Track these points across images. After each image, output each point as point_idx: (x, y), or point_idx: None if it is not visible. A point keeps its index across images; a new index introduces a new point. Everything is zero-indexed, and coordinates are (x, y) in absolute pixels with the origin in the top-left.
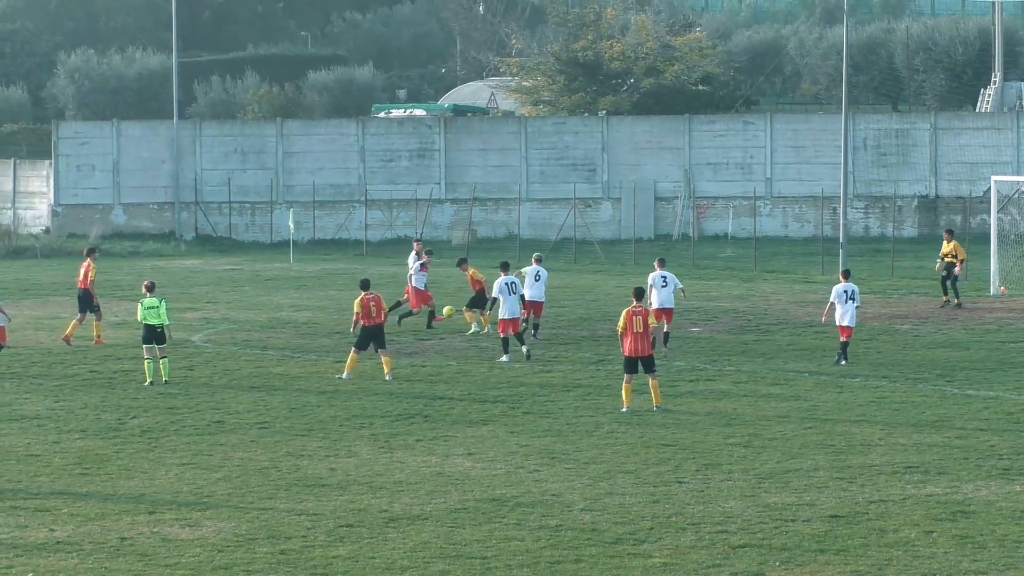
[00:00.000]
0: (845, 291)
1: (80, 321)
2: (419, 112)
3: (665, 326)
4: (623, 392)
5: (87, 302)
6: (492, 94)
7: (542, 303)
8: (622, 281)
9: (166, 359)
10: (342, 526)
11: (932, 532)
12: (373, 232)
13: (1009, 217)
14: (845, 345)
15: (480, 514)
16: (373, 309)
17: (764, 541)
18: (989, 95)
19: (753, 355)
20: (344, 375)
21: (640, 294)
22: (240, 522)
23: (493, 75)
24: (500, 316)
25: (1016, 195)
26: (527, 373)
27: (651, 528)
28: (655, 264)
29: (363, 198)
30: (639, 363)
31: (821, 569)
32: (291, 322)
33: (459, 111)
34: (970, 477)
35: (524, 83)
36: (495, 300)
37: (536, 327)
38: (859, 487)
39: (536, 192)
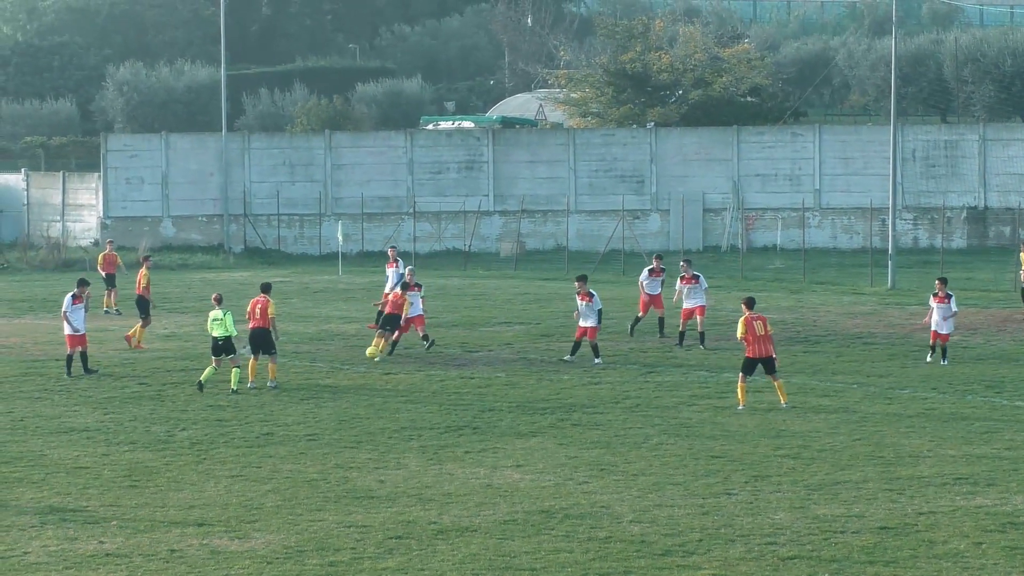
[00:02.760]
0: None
1: (144, 326)
2: (467, 124)
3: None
4: (739, 391)
5: (144, 307)
6: (540, 106)
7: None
8: (669, 293)
9: (237, 368)
10: (391, 538)
11: (981, 544)
12: (422, 244)
13: None
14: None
15: (529, 526)
16: (258, 312)
17: (813, 553)
18: None
19: (802, 366)
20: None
21: (751, 303)
22: (289, 534)
23: (541, 87)
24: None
25: None
26: (576, 385)
27: (700, 540)
28: (681, 266)
29: (411, 210)
30: (760, 364)
31: None
32: (340, 334)
33: (507, 123)
34: (1019, 489)
35: (572, 95)
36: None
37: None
38: (908, 499)
39: (584, 204)
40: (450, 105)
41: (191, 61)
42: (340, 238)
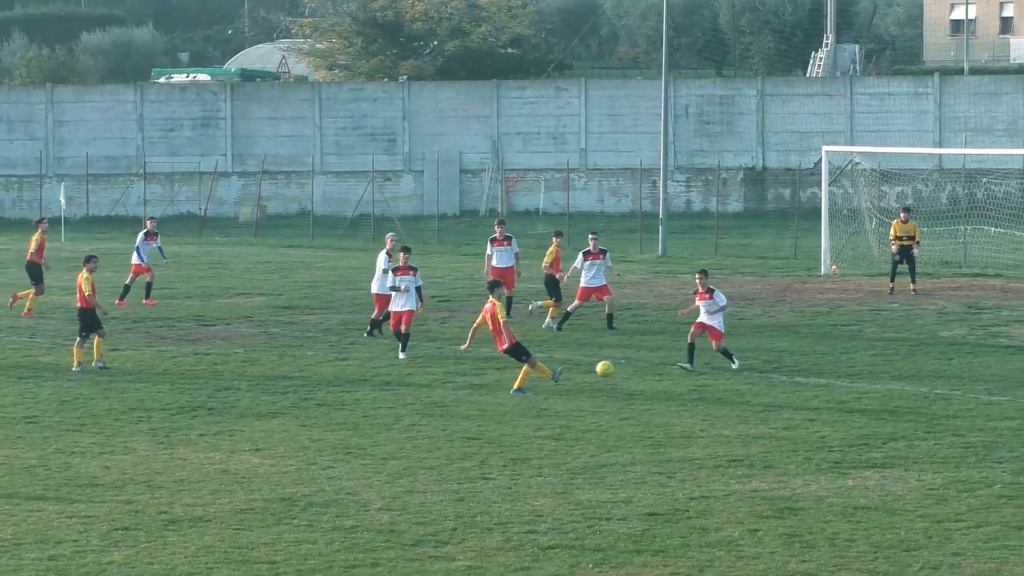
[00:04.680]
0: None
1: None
2: (203, 77)
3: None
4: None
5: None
6: (283, 58)
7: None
8: (425, 261)
9: None
10: (117, 529)
11: (757, 531)
12: (153, 208)
13: (842, 191)
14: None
15: (268, 515)
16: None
17: (576, 542)
18: (821, 59)
19: (566, 340)
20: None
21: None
22: (5, 526)
23: (284, 37)
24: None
25: (849, 167)
26: (321, 362)
27: (454, 528)
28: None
29: (142, 171)
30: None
31: (638, 571)
32: (62, 306)
33: (247, 76)
34: (798, 471)
35: (318, 46)
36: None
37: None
38: (679, 482)
39: (331, 165)
40: (184, 56)
41: None
42: (62, 201)
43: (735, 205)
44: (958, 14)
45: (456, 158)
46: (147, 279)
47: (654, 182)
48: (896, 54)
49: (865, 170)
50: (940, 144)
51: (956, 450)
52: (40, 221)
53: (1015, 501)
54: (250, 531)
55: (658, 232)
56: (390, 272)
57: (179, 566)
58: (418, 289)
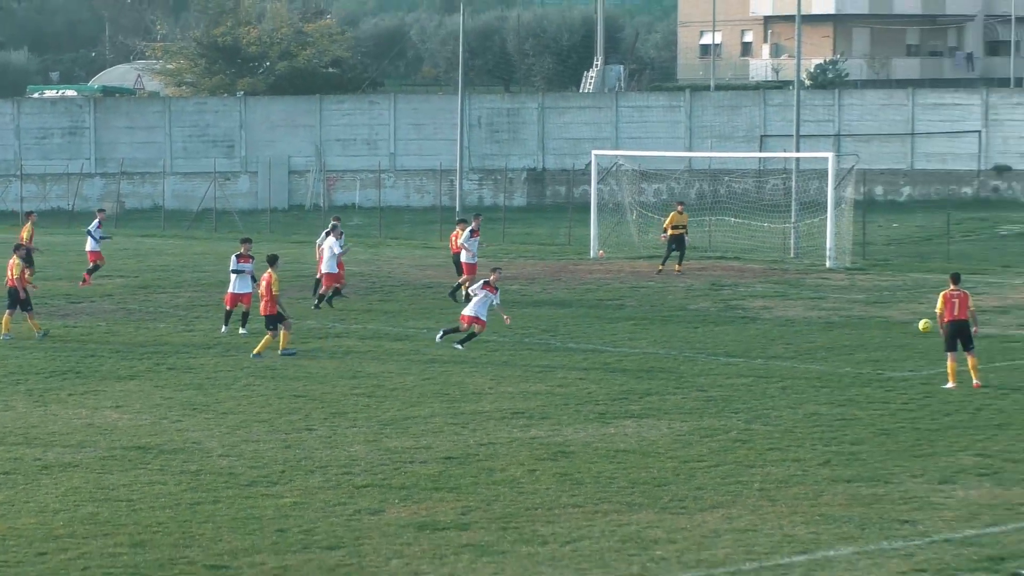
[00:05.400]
0: None
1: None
2: (71, 93)
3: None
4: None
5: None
6: (139, 76)
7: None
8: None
9: None
10: None
11: (535, 471)
12: (28, 204)
13: (608, 188)
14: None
15: (127, 461)
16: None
17: (385, 481)
18: (591, 77)
19: (378, 314)
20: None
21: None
22: None
23: (140, 59)
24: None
25: (614, 168)
26: (171, 333)
27: (283, 471)
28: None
29: (18, 173)
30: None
31: (436, 505)
32: None
33: (108, 92)
34: (570, 421)
35: (168, 66)
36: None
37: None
38: (471, 431)
39: (180, 167)
40: (55, 75)
41: None
42: None
43: (519, 200)
44: (706, 39)
45: (285, 161)
46: (99, 263)
47: (452, 181)
48: (654, 73)
49: (628, 170)
50: (690, 148)
51: (700, 403)
52: (30, 213)
53: (748, 444)
54: (111, 474)
55: (454, 223)
56: (233, 257)
57: (51, 504)
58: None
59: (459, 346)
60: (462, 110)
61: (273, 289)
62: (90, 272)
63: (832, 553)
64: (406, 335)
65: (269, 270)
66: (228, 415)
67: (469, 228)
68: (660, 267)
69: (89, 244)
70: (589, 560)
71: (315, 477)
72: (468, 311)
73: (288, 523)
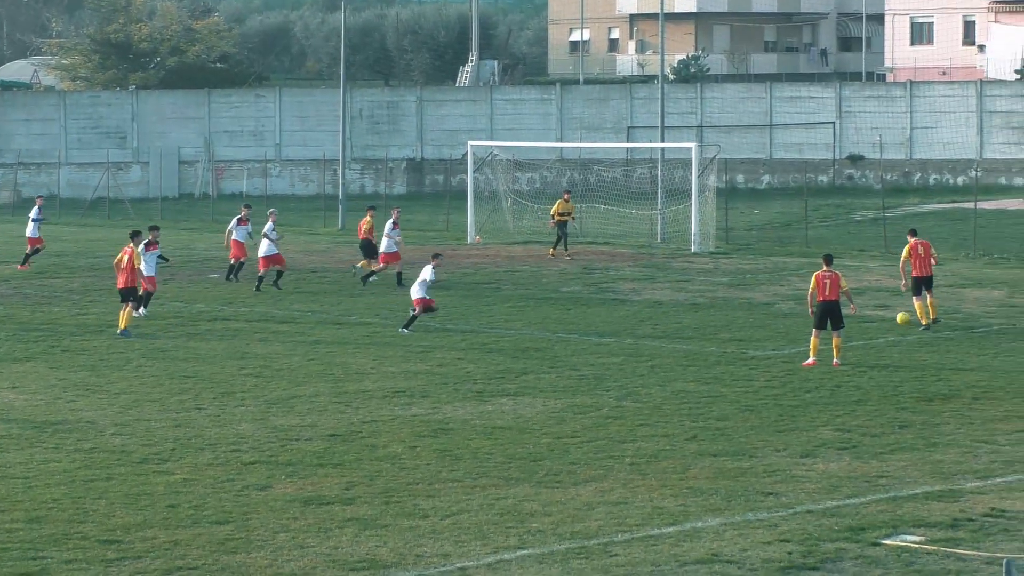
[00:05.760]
0: None
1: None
2: None
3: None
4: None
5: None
6: (35, 71)
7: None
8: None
9: None
10: None
11: (416, 447)
12: None
13: (484, 176)
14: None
15: (23, 439)
16: None
17: (272, 458)
18: (467, 72)
19: (265, 297)
20: None
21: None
22: None
23: (36, 55)
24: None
25: (489, 158)
26: (66, 316)
27: (174, 449)
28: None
29: None
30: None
31: (321, 481)
32: None
33: (5, 86)
34: (449, 399)
35: (63, 61)
36: None
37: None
38: (354, 410)
39: (74, 157)
40: None
41: None
42: None
43: (400, 188)
44: (575, 36)
45: (176, 152)
46: (38, 248)
47: (335, 170)
48: (527, 68)
49: (502, 160)
50: (561, 139)
51: (573, 381)
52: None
53: (619, 421)
54: (7, 453)
55: (338, 210)
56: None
57: None
58: (161, 257)
59: (406, 330)
60: (344, 103)
61: (136, 262)
62: (29, 255)
63: (700, 524)
64: (292, 317)
65: (130, 243)
66: (120, 395)
67: (392, 220)
68: (551, 252)
69: (30, 229)
70: (468, 532)
71: (204, 454)
72: (416, 293)
73: (179, 499)
